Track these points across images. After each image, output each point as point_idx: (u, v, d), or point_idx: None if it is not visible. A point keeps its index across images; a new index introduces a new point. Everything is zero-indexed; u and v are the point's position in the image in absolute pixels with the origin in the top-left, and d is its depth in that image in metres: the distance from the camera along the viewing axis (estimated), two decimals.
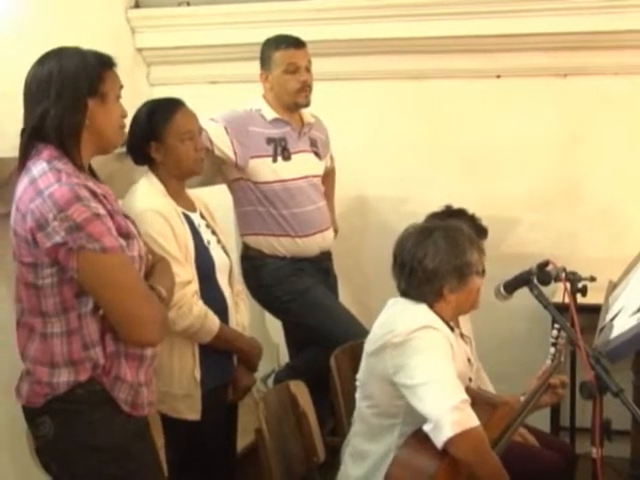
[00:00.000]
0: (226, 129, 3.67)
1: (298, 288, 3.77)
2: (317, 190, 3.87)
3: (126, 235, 2.25)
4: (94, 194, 2.17)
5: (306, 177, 3.81)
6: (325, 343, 3.54)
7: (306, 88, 3.77)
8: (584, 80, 4.48)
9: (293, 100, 3.78)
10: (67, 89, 2.22)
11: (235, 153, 3.66)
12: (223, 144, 3.65)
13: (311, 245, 3.81)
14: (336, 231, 4.08)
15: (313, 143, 3.92)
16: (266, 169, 3.71)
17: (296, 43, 3.76)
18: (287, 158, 3.75)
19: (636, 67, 4.39)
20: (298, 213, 3.75)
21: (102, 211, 2.16)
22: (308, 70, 3.77)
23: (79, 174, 2.21)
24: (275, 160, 3.73)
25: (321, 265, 3.91)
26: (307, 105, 3.83)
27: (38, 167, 2.19)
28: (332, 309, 3.80)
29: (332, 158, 4.14)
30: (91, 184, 2.21)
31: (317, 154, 3.92)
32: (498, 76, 4.57)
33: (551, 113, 4.52)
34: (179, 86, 4.58)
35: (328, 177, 4.09)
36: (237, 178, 3.75)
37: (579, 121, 4.51)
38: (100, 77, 2.27)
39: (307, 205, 3.78)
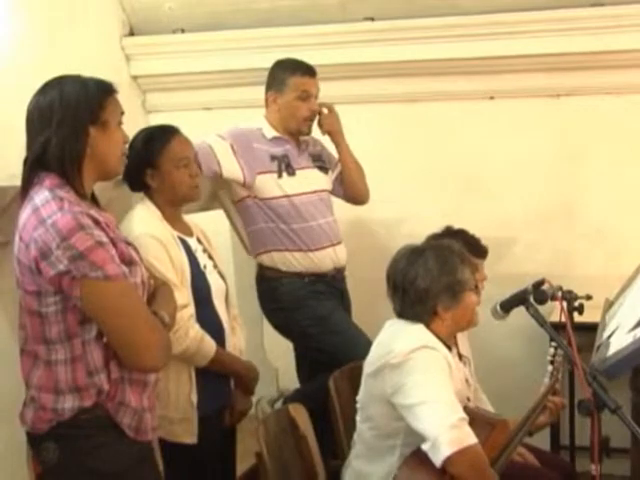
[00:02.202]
0: (232, 147, 3.67)
1: (318, 313, 3.74)
2: (325, 204, 3.86)
3: (129, 262, 2.26)
4: (96, 222, 2.18)
5: (313, 192, 3.80)
6: (336, 361, 3.53)
7: (313, 117, 3.79)
8: (577, 100, 4.50)
9: (298, 127, 3.79)
10: (68, 118, 2.24)
11: (243, 171, 3.67)
12: (231, 164, 3.65)
13: (324, 259, 3.78)
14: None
15: (316, 158, 3.92)
16: (272, 185, 3.70)
17: (311, 71, 3.77)
18: (292, 174, 3.75)
19: (628, 86, 4.42)
20: (307, 227, 3.74)
21: (105, 239, 2.17)
22: (316, 98, 3.79)
23: (81, 202, 2.22)
24: (280, 176, 3.72)
25: (336, 286, 3.88)
26: (308, 134, 3.84)
27: (40, 196, 2.20)
28: (352, 335, 3.74)
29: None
30: (93, 212, 2.22)
31: (322, 168, 3.92)
32: (491, 97, 4.60)
33: (545, 133, 4.54)
34: (175, 113, 4.60)
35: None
36: (243, 197, 3.75)
37: (573, 141, 4.53)
38: (101, 105, 2.29)
39: (317, 219, 3.77)
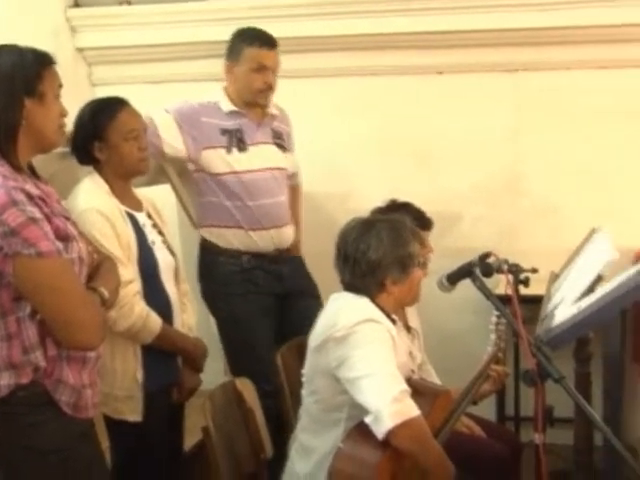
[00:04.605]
0: (177, 121, 3.61)
1: (236, 314, 3.72)
2: (278, 183, 3.77)
3: (64, 237, 2.22)
4: (30, 197, 2.14)
5: (266, 169, 3.72)
6: (232, 370, 3.71)
7: (268, 90, 3.71)
8: (527, 76, 4.53)
9: (253, 99, 3.70)
10: (3, 89, 2.20)
11: (186, 146, 3.61)
12: (173, 138, 3.59)
13: (264, 239, 3.71)
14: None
15: (277, 135, 3.83)
16: (219, 160, 3.64)
17: (270, 43, 3.68)
18: (243, 149, 3.68)
19: (578, 62, 4.44)
20: (252, 206, 3.67)
21: (38, 215, 2.13)
22: (274, 72, 3.71)
23: (17, 176, 2.18)
24: (229, 151, 3.65)
25: (275, 270, 3.79)
26: (265, 106, 3.76)
27: None
28: (254, 349, 3.70)
29: (298, 173, 4.06)
30: (28, 186, 2.18)
31: (281, 146, 3.84)
32: (440, 72, 4.60)
33: (492, 109, 4.55)
34: (122, 86, 4.52)
35: (293, 193, 4.00)
36: (192, 170, 3.70)
37: (522, 117, 4.55)
38: (38, 76, 2.24)
39: (262, 198, 3.69)
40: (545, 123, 4.52)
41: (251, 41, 3.67)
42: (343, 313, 2.72)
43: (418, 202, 3.60)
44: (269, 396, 3.28)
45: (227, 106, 3.71)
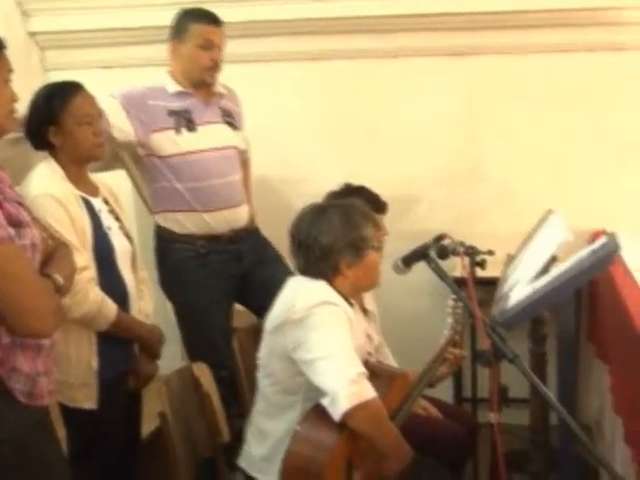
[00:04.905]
0: (123, 106, 3.57)
1: (192, 299, 3.71)
2: (231, 162, 3.75)
3: (17, 223, 2.19)
4: None
5: (218, 148, 3.69)
6: (188, 355, 3.68)
7: (215, 67, 3.68)
8: (481, 60, 4.54)
9: (200, 77, 3.67)
10: None
11: (134, 130, 3.57)
12: (121, 123, 3.55)
13: (219, 221, 3.68)
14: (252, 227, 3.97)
15: (227, 114, 3.80)
16: (168, 142, 3.60)
17: (216, 20, 3.67)
18: (192, 129, 3.64)
19: (532, 46, 4.46)
20: (203, 186, 3.63)
21: None
22: (220, 49, 3.69)
23: None
24: (178, 132, 3.61)
25: (233, 251, 3.77)
26: (211, 85, 3.73)
27: None
28: (211, 335, 3.71)
29: (248, 149, 4.03)
30: None
31: (232, 125, 3.81)
32: (395, 56, 4.60)
33: (449, 93, 4.57)
34: (75, 71, 4.47)
35: (243, 167, 3.95)
36: (142, 156, 3.66)
37: (477, 101, 4.57)
38: None
39: (214, 178, 3.65)
40: (502, 108, 4.54)
41: (197, 18, 3.66)
42: (300, 296, 2.73)
43: (374, 186, 3.60)
44: (225, 381, 3.28)
45: (173, 87, 3.67)
